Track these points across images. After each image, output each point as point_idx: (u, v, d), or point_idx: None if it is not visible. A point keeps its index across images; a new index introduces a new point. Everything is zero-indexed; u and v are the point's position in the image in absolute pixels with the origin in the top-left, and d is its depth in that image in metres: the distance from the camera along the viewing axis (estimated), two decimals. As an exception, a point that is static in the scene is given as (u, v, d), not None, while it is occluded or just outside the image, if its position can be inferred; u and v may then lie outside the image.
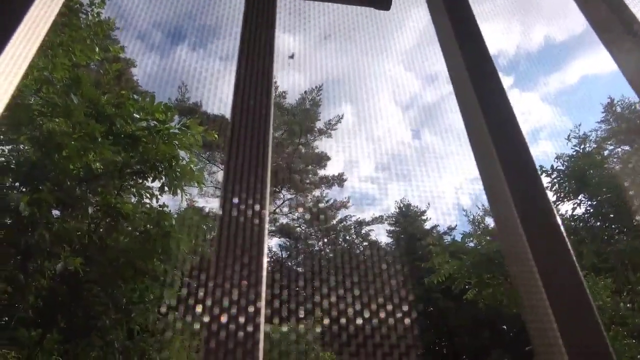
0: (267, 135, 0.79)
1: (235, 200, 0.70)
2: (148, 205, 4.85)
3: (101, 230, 4.85)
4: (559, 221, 0.69)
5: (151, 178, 4.78)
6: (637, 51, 0.83)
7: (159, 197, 4.85)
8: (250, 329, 0.58)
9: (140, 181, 4.88)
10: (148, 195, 4.85)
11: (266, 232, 0.69)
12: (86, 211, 4.32)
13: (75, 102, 4.31)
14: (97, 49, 5.15)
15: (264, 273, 0.65)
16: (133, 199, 5.05)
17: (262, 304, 0.62)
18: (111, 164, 4.60)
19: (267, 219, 0.70)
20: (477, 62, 0.93)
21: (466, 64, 0.93)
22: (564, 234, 0.67)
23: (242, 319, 0.59)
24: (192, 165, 5.02)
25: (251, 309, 0.60)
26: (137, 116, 4.83)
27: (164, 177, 4.73)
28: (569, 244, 0.66)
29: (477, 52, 0.95)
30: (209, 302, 0.61)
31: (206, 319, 0.59)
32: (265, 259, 0.68)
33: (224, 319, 0.59)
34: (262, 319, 0.60)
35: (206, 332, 0.58)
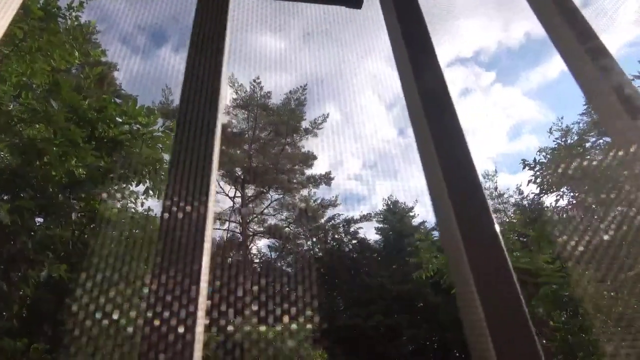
0: (213, 140, 0.78)
1: (177, 200, 0.70)
2: (133, 210, 4.81)
3: (86, 236, 4.80)
4: (498, 232, 0.71)
5: (135, 182, 4.74)
6: (590, 62, 0.85)
7: (144, 201, 4.81)
8: (184, 329, 0.58)
9: (125, 185, 4.83)
10: (133, 199, 4.81)
11: (208, 232, 0.68)
12: (70, 217, 4.27)
13: (56, 107, 4.25)
14: (76, 53, 5.09)
15: (204, 274, 0.65)
16: (118, 204, 5.00)
17: (201, 305, 0.62)
18: (94, 169, 4.55)
19: (209, 218, 0.70)
20: (423, 63, 0.95)
21: (412, 64, 0.95)
22: (503, 247, 0.68)
23: (177, 321, 0.59)
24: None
25: (187, 310, 0.60)
26: (120, 120, 4.79)
27: (148, 181, 4.69)
28: (507, 257, 0.67)
29: (426, 60, 0.96)
30: (150, 302, 0.61)
31: (143, 320, 0.60)
32: (207, 260, 0.68)
33: (159, 321, 0.59)
34: (199, 321, 0.60)
35: (142, 334, 0.58)
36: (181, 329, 0.58)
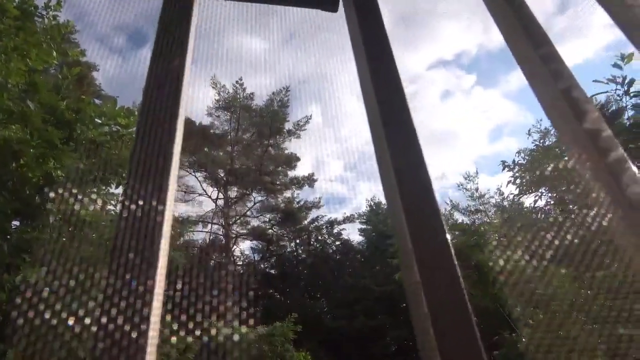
0: (172, 144, 0.78)
1: (134, 203, 0.70)
2: (113, 212, 4.74)
3: (64, 239, 4.72)
4: (447, 235, 0.73)
5: (115, 184, 4.68)
6: (542, 66, 0.89)
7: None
8: (137, 332, 0.58)
9: (104, 188, 4.76)
10: (112, 202, 4.75)
11: (164, 235, 0.69)
12: (47, 220, 4.19)
13: (32, 108, 4.18)
14: (54, 53, 5.00)
15: (159, 275, 0.65)
16: (97, 207, 4.92)
17: (154, 305, 0.62)
18: (73, 171, 4.47)
19: (167, 219, 0.70)
20: (380, 67, 0.98)
21: (371, 72, 0.97)
22: (451, 249, 0.71)
23: (129, 323, 0.59)
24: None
25: (140, 312, 0.60)
26: (99, 121, 4.72)
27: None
28: (454, 259, 0.69)
29: (385, 69, 0.98)
30: (103, 303, 0.61)
31: (96, 322, 0.60)
32: (162, 262, 0.68)
33: (111, 324, 0.59)
34: (151, 323, 0.60)
35: (94, 335, 0.58)
36: (133, 331, 0.58)
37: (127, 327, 0.57)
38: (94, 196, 4.82)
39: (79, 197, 4.78)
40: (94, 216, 4.41)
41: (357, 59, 1.08)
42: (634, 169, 0.73)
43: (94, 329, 0.60)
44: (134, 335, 0.57)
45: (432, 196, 0.78)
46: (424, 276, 0.66)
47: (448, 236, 0.72)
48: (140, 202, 0.68)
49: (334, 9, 1.65)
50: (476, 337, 0.60)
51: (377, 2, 1.16)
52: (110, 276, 0.61)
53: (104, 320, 0.58)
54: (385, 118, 0.87)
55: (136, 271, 0.62)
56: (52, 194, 4.73)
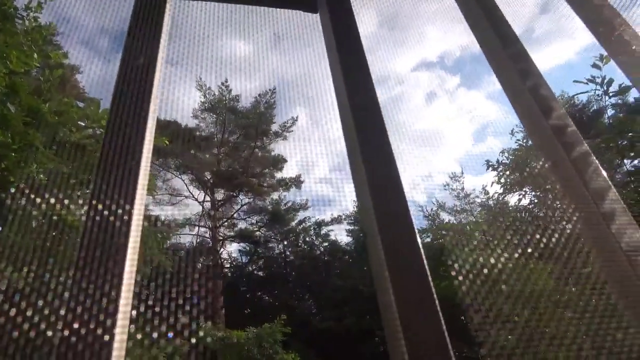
0: (141, 144, 0.79)
1: (101, 206, 0.70)
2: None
3: (48, 244, 4.64)
4: (417, 235, 0.75)
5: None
6: (511, 65, 0.91)
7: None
8: (101, 332, 0.59)
9: (88, 191, 4.69)
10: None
11: (133, 231, 0.69)
12: (29, 225, 4.12)
13: (13, 111, 4.11)
14: (35, 55, 4.93)
15: (128, 272, 0.66)
16: (82, 210, 4.85)
17: (122, 306, 0.62)
18: (56, 174, 4.40)
19: (134, 223, 0.70)
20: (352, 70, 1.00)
21: (345, 78, 0.99)
22: (420, 246, 0.73)
23: (93, 325, 0.59)
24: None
25: (105, 316, 0.60)
26: (82, 124, 4.66)
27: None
28: (423, 255, 0.72)
29: (359, 76, 1.00)
30: (69, 302, 0.61)
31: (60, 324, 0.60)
32: (131, 260, 0.68)
33: (76, 325, 0.59)
34: (118, 325, 0.61)
35: (59, 336, 0.58)
36: (98, 330, 0.58)
37: (91, 331, 0.57)
38: (77, 199, 4.75)
39: (62, 200, 4.70)
40: (75, 220, 4.35)
41: (330, 63, 1.10)
42: (597, 163, 0.76)
43: (59, 331, 0.60)
44: (99, 338, 0.57)
45: (402, 196, 0.79)
46: (393, 271, 0.67)
47: (417, 233, 0.74)
48: (107, 204, 0.68)
49: (313, 10, 1.67)
50: (442, 330, 0.62)
51: (352, 8, 1.18)
52: (77, 280, 0.61)
53: (70, 323, 0.58)
54: (357, 122, 0.89)
55: (102, 273, 0.62)
56: (35, 198, 4.63)
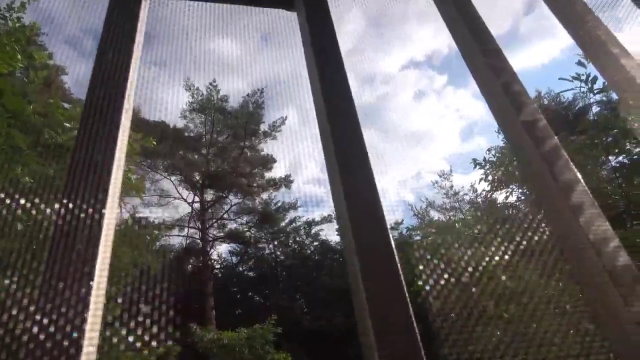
0: (114, 141, 0.78)
1: (71, 205, 0.69)
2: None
3: (34, 247, 4.58)
4: (387, 228, 0.77)
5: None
6: (486, 65, 0.93)
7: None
8: (70, 329, 0.58)
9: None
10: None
11: (105, 230, 0.68)
12: (14, 228, 4.06)
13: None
14: (19, 56, 4.85)
15: (99, 273, 0.65)
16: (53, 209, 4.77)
17: (90, 313, 0.62)
18: (41, 177, 4.35)
19: (105, 225, 0.70)
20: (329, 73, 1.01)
21: (320, 78, 0.99)
22: (390, 239, 0.74)
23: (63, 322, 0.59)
24: (130, 175, 4.86)
25: (75, 315, 0.60)
26: (68, 125, 4.61)
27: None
28: (393, 246, 0.73)
29: (335, 76, 1.01)
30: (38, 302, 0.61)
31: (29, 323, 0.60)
32: (102, 260, 0.68)
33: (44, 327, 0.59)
34: (89, 320, 0.61)
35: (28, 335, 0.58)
36: (67, 329, 0.57)
37: (60, 329, 0.56)
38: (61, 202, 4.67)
39: (47, 202, 4.63)
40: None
41: (307, 61, 1.10)
42: (567, 157, 0.78)
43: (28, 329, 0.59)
44: (67, 336, 0.56)
45: (375, 194, 0.80)
46: (364, 267, 0.68)
47: (387, 226, 0.75)
48: (78, 203, 0.68)
49: (290, 7, 1.67)
50: (412, 323, 0.63)
51: (328, 8, 1.19)
52: (47, 278, 0.61)
53: (40, 321, 0.57)
54: (332, 122, 0.90)
55: (71, 273, 0.61)
56: (20, 201, 4.57)
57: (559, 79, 5.91)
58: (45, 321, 0.59)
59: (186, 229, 18.49)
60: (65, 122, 4.60)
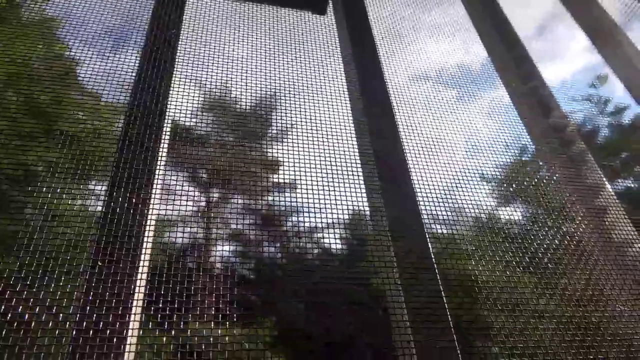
0: (158, 142, 0.82)
1: (118, 196, 0.72)
2: (91, 209, 4.66)
3: (42, 232, 4.62)
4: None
5: (95, 180, 4.61)
6: (514, 68, 0.96)
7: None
8: (118, 326, 0.61)
9: (83, 182, 4.69)
10: (94, 196, 4.67)
11: (147, 234, 0.71)
12: (21, 213, 4.12)
13: (14, 99, 4.11)
14: (39, 46, 4.94)
15: (140, 273, 0.68)
16: (77, 201, 4.83)
17: (135, 303, 0.65)
18: (52, 163, 4.40)
19: (148, 221, 0.72)
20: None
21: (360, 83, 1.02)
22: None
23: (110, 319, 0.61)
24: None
25: (121, 310, 0.63)
26: (81, 116, 4.67)
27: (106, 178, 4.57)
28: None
29: (372, 70, 1.04)
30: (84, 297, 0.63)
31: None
32: (145, 257, 0.70)
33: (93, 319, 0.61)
34: (132, 320, 0.63)
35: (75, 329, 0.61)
36: (115, 326, 0.60)
37: (108, 325, 0.59)
38: (75, 192, 4.73)
39: (60, 191, 4.68)
40: (73, 211, 4.34)
41: (344, 61, 1.13)
42: (593, 160, 0.80)
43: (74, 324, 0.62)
44: (114, 330, 0.59)
45: (416, 206, 0.83)
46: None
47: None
48: (124, 202, 0.71)
49: (322, 12, 1.71)
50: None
51: (367, 11, 1.22)
52: (93, 273, 0.64)
53: (85, 317, 0.60)
54: (370, 120, 0.92)
55: (119, 269, 0.64)
56: (29, 187, 4.62)
57: (571, 100, 5.92)
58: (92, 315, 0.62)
59: (189, 228, 18.49)
60: (79, 113, 4.67)
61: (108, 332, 0.58)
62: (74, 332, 0.59)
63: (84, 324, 0.60)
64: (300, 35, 2.11)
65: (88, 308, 0.60)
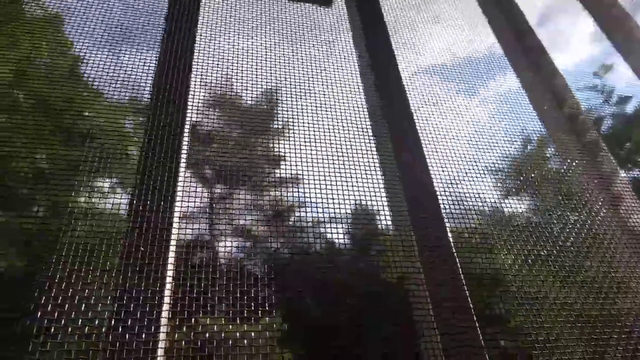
0: (181, 137, 0.84)
1: (143, 197, 0.74)
2: (104, 205, 4.68)
3: (52, 230, 4.65)
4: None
5: (105, 178, 4.63)
6: (528, 60, 0.98)
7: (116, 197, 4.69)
8: (148, 324, 0.62)
9: (95, 180, 4.72)
10: (103, 195, 4.69)
11: (173, 232, 0.72)
12: (33, 211, 4.15)
13: (22, 97, 4.14)
14: (45, 44, 4.96)
15: (169, 270, 0.70)
16: (89, 199, 4.84)
17: (165, 300, 0.66)
18: (64, 161, 4.43)
19: (175, 220, 0.73)
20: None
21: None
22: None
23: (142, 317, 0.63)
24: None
25: (152, 305, 0.64)
26: (89, 114, 4.70)
27: (116, 177, 4.59)
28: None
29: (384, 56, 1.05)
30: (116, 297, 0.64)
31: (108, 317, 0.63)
32: (172, 255, 0.72)
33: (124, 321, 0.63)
34: (163, 315, 0.64)
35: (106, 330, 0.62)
36: (146, 323, 0.62)
37: (140, 319, 0.61)
38: (87, 189, 4.75)
39: (69, 188, 4.70)
40: (86, 207, 4.35)
41: (357, 48, 1.15)
42: (606, 149, 0.82)
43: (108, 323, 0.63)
44: (147, 330, 0.61)
45: (436, 204, 0.85)
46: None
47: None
48: (149, 203, 0.73)
49: (327, 3, 1.71)
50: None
51: (379, 1, 1.23)
52: (123, 274, 0.66)
53: (118, 316, 0.62)
54: (389, 122, 0.94)
55: (150, 268, 0.66)
56: (42, 185, 4.64)
57: (576, 89, 5.89)
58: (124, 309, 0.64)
59: (194, 224, 18.51)
60: (86, 111, 4.69)
61: (142, 335, 0.60)
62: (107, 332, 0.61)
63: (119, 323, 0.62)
64: (310, 29, 2.12)
65: (121, 306, 0.62)
